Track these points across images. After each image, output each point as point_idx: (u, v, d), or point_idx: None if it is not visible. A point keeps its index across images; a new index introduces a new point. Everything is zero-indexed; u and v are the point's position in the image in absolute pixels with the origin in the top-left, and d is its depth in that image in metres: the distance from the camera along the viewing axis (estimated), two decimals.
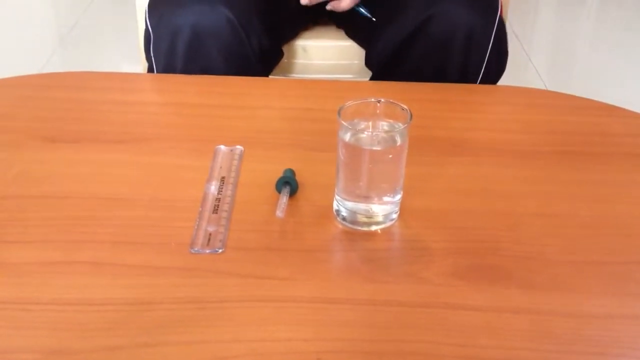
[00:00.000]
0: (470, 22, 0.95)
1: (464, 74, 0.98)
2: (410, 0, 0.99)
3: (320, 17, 1.16)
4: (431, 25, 0.95)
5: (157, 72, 1.02)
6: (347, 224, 0.70)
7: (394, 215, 0.71)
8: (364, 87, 1.01)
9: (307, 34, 1.16)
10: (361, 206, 0.69)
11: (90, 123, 0.86)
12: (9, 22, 2.55)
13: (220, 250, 0.66)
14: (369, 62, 1.09)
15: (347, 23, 1.14)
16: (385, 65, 1.03)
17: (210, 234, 0.68)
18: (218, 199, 0.73)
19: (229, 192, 0.74)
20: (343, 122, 0.67)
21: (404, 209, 0.71)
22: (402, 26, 0.98)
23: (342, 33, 1.17)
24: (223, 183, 0.75)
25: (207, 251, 0.66)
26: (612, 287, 0.64)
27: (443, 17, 0.95)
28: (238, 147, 0.81)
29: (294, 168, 0.76)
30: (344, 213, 0.70)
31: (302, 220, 0.71)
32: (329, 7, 1.02)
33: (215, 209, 0.71)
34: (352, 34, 1.15)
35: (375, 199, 0.69)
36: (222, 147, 0.81)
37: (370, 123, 0.70)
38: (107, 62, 2.28)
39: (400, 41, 0.99)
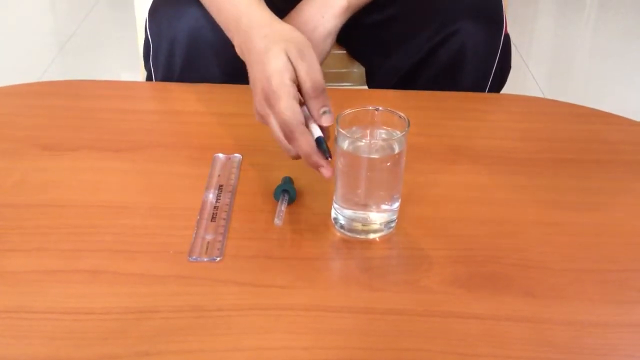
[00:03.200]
0: (478, 41, 0.95)
1: (469, 90, 0.98)
2: (420, 24, 0.99)
3: None
4: (442, 49, 0.96)
5: (156, 80, 1.02)
6: (345, 232, 0.70)
7: (392, 224, 0.70)
8: (361, 95, 1.01)
9: None
10: (359, 214, 0.69)
11: (89, 131, 0.86)
12: (9, 30, 2.56)
13: (218, 259, 0.66)
14: (373, 85, 1.09)
15: (352, 44, 1.14)
16: (391, 87, 1.03)
17: (208, 242, 0.68)
18: (216, 207, 0.73)
19: (227, 200, 0.74)
20: (341, 130, 0.67)
21: (403, 217, 0.71)
22: (412, 51, 0.98)
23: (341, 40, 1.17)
24: (221, 191, 0.75)
25: (205, 259, 0.66)
26: (611, 295, 0.64)
27: (453, 39, 0.95)
28: (236, 155, 0.81)
29: (292, 176, 0.76)
30: (342, 221, 0.70)
31: (300, 228, 0.71)
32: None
33: (214, 217, 0.71)
34: (357, 55, 1.15)
35: (374, 207, 0.69)
36: (221, 155, 0.81)
37: (368, 131, 0.70)
38: (106, 70, 2.28)
39: (411, 65, 0.99)
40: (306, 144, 0.69)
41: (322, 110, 0.71)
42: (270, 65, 0.72)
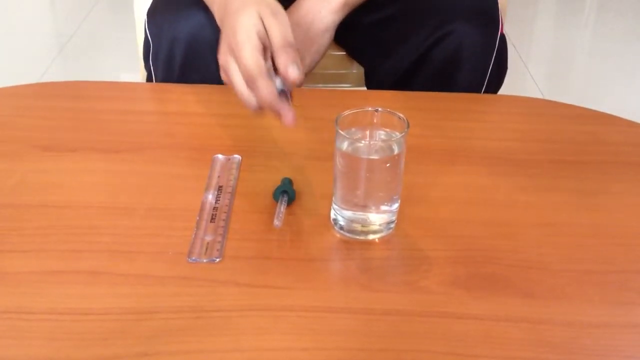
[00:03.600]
0: (474, 41, 0.95)
1: (466, 90, 0.98)
2: (416, 24, 0.99)
3: None
4: (438, 49, 0.96)
5: (156, 81, 1.02)
6: (344, 233, 0.70)
7: (392, 224, 0.71)
8: (361, 96, 1.02)
9: None
10: (359, 215, 0.69)
11: (88, 132, 0.86)
12: (8, 31, 2.56)
13: (217, 260, 0.66)
14: (371, 84, 1.09)
15: (351, 44, 1.15)
16: (389, 88, 1.03)
17: (207, 243, 0.68)
18: (216, 208, 0.73)
19: (226, 201, 0.74)
20: (340, 131, 0.67)
21: (402, 218, 0.71)
22: (409, 51, 0.99)
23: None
24: (221, 192, 0.75)
25: (205, 260, 0.66)
26: (610, 296, 0.64)
27: (450, 39, 0.95)
28: (236, 156, 0.81)
29: (291, 177, 0.76)
30: (341, 222, 0.70)
31: (299, 229, 0.71)
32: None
33: (213, 218, 0.71)
34: (356, 55, 1.15)
35: (373, 208, 0.69)
36: (220, 156, 0.81)
37: (367, 132, 0.70)
38: (106, 71, 2.28)
39: (407, 66, 0.99)
40: (267, 90, 0.70)
41: (290, 64, 0.72)
42: (238, 22, 0.74)
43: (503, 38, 0.99)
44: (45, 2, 2.88)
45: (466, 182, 0.78)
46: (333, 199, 0.70)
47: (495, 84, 1.02)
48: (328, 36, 0.99)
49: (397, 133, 0.68)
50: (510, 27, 1.02)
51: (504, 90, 1.06)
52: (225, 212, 0.72)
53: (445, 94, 0.95)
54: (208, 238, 0.69)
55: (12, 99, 0.95)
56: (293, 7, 1.00)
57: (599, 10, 2.90)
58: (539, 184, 0.78)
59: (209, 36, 0.94)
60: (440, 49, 0.95)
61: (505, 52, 1.02)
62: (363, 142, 0.69)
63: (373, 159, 0.68)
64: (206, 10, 0.93)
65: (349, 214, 0.69)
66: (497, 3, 1.00)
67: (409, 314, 0.61)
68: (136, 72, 1.06)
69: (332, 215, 0.71)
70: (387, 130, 0.70)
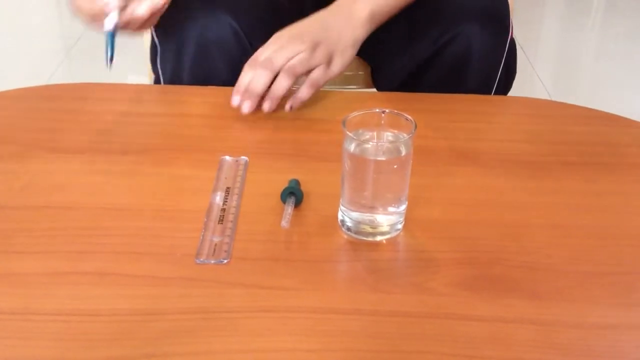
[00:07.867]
0: (483, 44, 0.95)
1: (474, 93, 0.98)
2: (425, 24, 0.99)
3: None
4: (447, 50, 0.96)
5: (164, 83, 1.02)
6: (352, 234, 0.70)
7: (399, 226, 0.70)
8: (368, 98, 1.01)
9: None
10: (366, 216, 0.69)
11: (96, 134, 0.86)
12: (16, 34, 2.57)
13: (225, 261, 0.66)
14: (378, 83, 1.09)
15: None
16: (396, 88, 1.03)
17: (215, 245, 0.68)
18: (223, 210, 0.73)
19: (234, 203, 0.74)
20: (348, 132, 0.67)
21: (409, 219, 0.71)
22: (418, 51, 0.98)
23: None
24: (228, 193, 0.75)
25: (213, 261, 0.66)
26: (618, 297, 0.64)
27: (459, 41, 0.95)
28: (243, 157, 0.81)
29: (299, 178, 0.76)
30: (349, 223, 0.70)
31: (307, 230, 0.71)
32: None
33: (221, 219, 0.71)
34: (363, 53, 1.15)
35: (380, 209, 0.69)
36: (227, 157, 0.81)
37: (375, 133, 0.70)
38: (113, 73, 2.28)
39: (416, 66, 0.99)
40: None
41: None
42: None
43: (513, 43, 0.99)
44: (51, 4, 2.89)
45: (473, 184, 0.78)
46: (340, 200, 0.70)
47: (503, 88, 1.02)
48: (351, 51, 0.94)
49: (405, 134, 0.68)
50: (518, 28, 1.02)
51: (511, 91, 1.06)
52: (232, 214, 0.72)
53: (453, 95, 0.95)
54: (216, 239, 0.69)
55: (20, 101, 0.95)
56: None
57: (606, 10, 2.89)
58: (546, 185, 0.78)
59: (217, 38, 0.94)
60: (448, 50, 0.95)
61: (515, 57, 1.02)
62: (370, 143, 0.69)
63: (380, 160, 0.68)
64: (213, 12, 0.93)
65: (356, 215, 0.69)
66: (508, 8, 1.00)
67: (416, 315, 0.61)
68: (143, 75, 1.06)
69: (340, 217, 0.71)
70: (395, 131, 0.70)
